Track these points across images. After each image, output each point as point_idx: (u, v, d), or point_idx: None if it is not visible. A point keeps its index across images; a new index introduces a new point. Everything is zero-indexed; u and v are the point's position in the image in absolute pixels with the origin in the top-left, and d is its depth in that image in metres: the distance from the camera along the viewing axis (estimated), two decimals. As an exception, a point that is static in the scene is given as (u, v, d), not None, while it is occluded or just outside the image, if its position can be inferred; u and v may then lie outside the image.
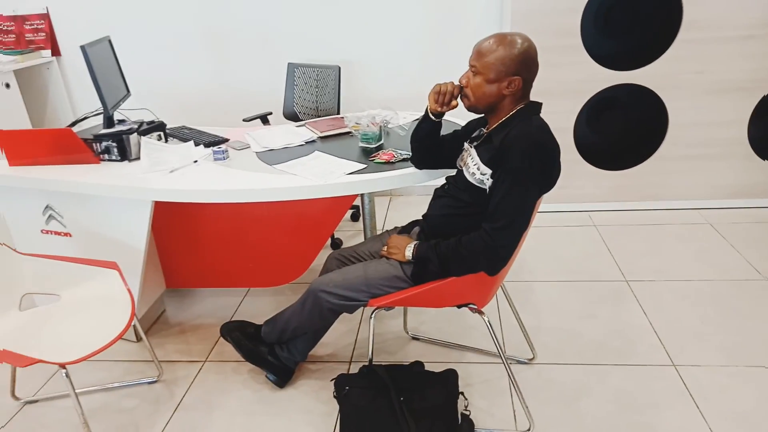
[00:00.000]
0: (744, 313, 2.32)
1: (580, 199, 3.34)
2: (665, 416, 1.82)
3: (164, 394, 2.06)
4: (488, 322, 1.75)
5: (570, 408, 1.88)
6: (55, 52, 3.55)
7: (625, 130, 3.20)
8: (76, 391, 2.03)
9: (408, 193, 3.79)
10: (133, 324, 2.23)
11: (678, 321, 2.30)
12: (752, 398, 1.87)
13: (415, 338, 2.30)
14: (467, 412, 1.80)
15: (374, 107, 2.44)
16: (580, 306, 2.44)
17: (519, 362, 2.12)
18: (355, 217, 3.46)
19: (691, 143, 3.16)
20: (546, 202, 3.34)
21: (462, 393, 1.83)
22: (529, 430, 1.80)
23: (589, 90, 3.10)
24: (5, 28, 3.50)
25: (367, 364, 1.82)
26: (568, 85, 3.08)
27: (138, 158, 2.19)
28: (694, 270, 2.66)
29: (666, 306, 2.40)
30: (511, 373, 1.81)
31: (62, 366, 1.55)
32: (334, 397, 1.80)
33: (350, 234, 3.27)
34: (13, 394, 2.05)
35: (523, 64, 1.50)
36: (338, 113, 3.05)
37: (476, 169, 1.58)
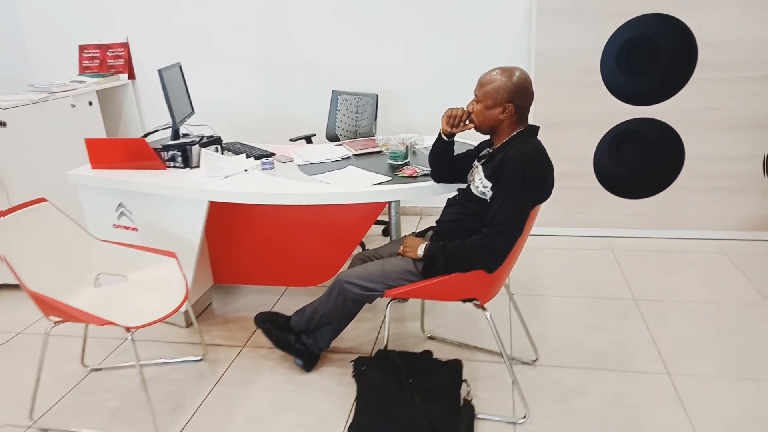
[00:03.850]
0: (744, 333, 2.45)
1: (598, 225, 3.52)
2: (653, 416, 1.99)
3: (207, 370, 2.36)
4: (490, 317, 1.98)
5: (565, 404, 2.07)
6: (131, 75, 4.05)
7: (643, 161, 3.38)
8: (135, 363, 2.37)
9: (437, 214, 4.05)
10: (184, 310, 2.58)
11: (679, 337, 2.45)
12: (739, 406, 2.02)
13: (431, 338, 2.53)
14: (469, 398, 2.02)
15: (406, 131, 2.75)
16: (587, 319, 2.63)
17: (523, 363, 2.32)
18: (385, 232, 3.74)
19: (708, 176, 3.32)
20: (566, 226, 3.55)
21: (465, 380, 2.06)
22: (525, 417, 2.00)
23: (607, 123, 3.32)
24: (92, 54, 4.02)
25: (382, 348, 2.07)
26: (588, 117, 3.31)
27: (198, 166, 2.56)
28: (702, 293, 2.80)
29: (669, 323, 2.56)
30: (510, 366, 2.03)
31: (128, 329, 1.87)
32: (353, 376, 2.06)
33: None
34: (82, 362, 2.41)
35: (515, 93, 1.78)
36: (374, 136, 3.37)
37: (480, 183, 1.86)
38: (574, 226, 3.55)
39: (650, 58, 3.20)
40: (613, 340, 2.45)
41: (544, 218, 3.55)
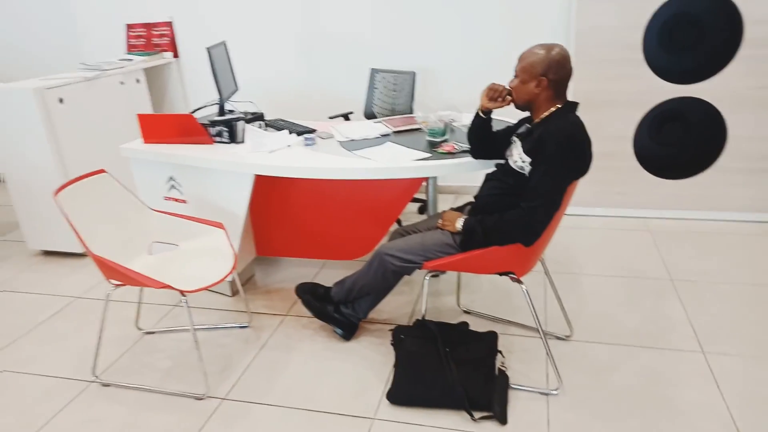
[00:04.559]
0: (783, 315, 2.44)
1: (637, 205, 3.50)
2: (686, 392, 2.02)
3: (253, 336, 2.48)
4: (526, 291, 2.04)
5: (599, 378, 2.12)
6: (175, 54, 4.17)
7: (684, 140, 3.34)
8: (185, 327, 2.52)
9: (473, 192, 4.08)
10: (230, 280, 2.70)
11: (715, 316, 2.46)
12: (773, 384, 2.03)
13: (466, 312, 2.60)
14: (504, 368, 2.09)
15: (444, 109, 2.78)
16: (622, 297, 2.65)
17: (557, 338, 2.37)
18: (422, 210, 3.80)
19: (752, 157, 3.26)
20: (603, 206, 3.54)
21: (500, 351, 2.12)
22: (558, 389, 2.06)
23: (648, 102, 3.28)
24: (138, 33, 4.16)
25: (420, 318, 2.15)
26: (628, 96, 3.28)
27: (243, 141, 2.65)
28: (741, 275, 2.78)
29: (706, 303, 2.56)
30: (544, 337, 2.08)
31: (183, 293, 2.00)
32: (391, 344, 2.15)
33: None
34: (136, 326, 2.57)
35: (548, 67, 1.81)
36: (412, 113, 3.41)
37: (519, 158, 1.90)
38: (612, 206, 3.54)
39: (694, 36, 3.14)
40: (648, 318, 2.47)
41: (582, 198, 3.55)
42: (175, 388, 2.16)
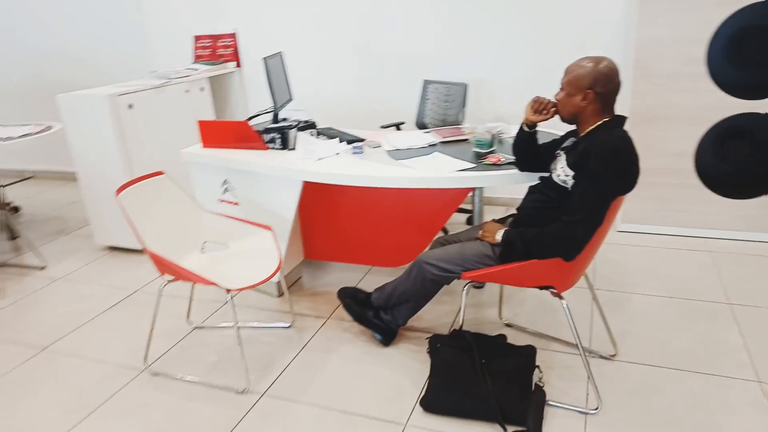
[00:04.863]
0: None
1: (696, 225, 3.35)
2: (735, 421, 1.92)
3: (295, 336, 2.56)
4: (566, 306, 2.00)
5: (641, 400, 2.04)
6: (238, 64, 4.37)
7: (749, 158, 3.17)
8: (233, 324, 2.62)
9: (523, 205, 4.03)
10: (277, 281, 2.79)
11: (775, 344, 2.32)
12: (836, 420, 1.90)
13: (508, 325, 2.57)
14: (541, 384, 2.05)
15: (494, 120, 2.78)
16: (673, 319, 2.54)
17: (601, 357, 2.30)
18: (469, 221, 3.78)
19: (826, 177, 3.06)
20: (660, 224, 3.42)
21: (538, 366, 2.09)
22: (597, 408, 2.00)
23: (711, 117, 3.14)
24: (204, 44, 4.39)
25: (457, 328, 2.15)
26: (690, 111, 3.16)
27: (294, 148, 2.75)
28: (808, 302, 2.61)
29: (766, 330, 2.42)
30: (584, 354, 2.03)
31: (228, 291, 2.09)
32: (428, 352, 2.16)
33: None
34: (187, 320, 2.70)
35: (595, 80, 1.79)
36: (462, 124, 3.42)
37: (561, 171, 1.88)
38: (670, 224, 3.40)
39: (763, 49, 2.98)
40: (700, 342, 2.36)
41: (638, 214, 3.43)
42: (219, 381, 2.26)
